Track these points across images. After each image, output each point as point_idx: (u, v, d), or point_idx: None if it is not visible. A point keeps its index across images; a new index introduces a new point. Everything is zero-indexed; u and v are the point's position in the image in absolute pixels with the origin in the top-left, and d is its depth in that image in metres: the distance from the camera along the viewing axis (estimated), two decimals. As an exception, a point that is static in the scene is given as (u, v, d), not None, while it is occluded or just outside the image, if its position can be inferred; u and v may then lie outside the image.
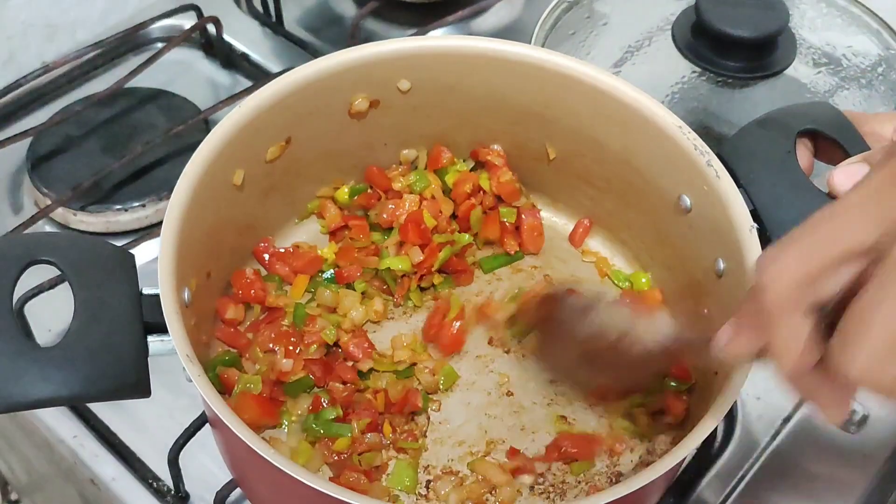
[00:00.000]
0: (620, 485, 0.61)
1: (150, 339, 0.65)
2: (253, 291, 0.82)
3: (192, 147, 0.76)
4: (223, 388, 0.77)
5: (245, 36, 1.18)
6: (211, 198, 0.75)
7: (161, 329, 0.65)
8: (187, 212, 0.71)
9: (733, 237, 0.72)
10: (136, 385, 0.64)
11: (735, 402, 0.85)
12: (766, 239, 0.74)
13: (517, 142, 0.89)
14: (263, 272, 0.86)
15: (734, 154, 0.77)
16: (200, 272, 0.76)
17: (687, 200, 0.78)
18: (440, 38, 0.85)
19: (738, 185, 0.74)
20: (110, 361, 0.63)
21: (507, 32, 1.20)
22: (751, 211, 0.73)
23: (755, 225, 0.72)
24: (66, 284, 0.65)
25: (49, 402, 0.61)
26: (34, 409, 0.63)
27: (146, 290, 0.66)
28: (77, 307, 0.63)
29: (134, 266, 0.68)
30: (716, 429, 0.84)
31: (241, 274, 0.83)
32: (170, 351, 0.65)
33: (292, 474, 0.59)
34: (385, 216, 0.86)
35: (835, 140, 0.76)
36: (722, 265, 0.74)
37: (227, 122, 0.76)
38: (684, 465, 0.82)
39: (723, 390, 0.65)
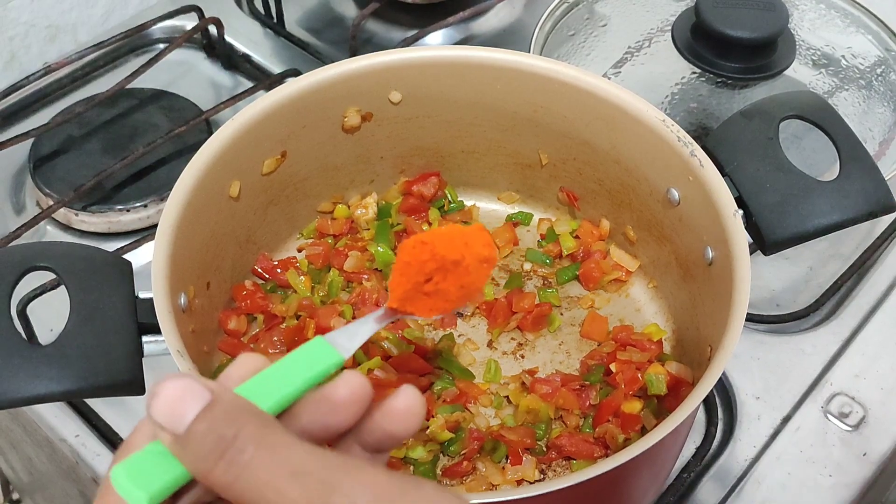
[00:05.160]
0: (610, 458, 0.61)
1: (146, 339, 0.66)
2: (251, 301, 0.83)
3: (194, 148, 0.77)
4: None
5: (246, 37, 1.19)
6: (207, 207, 0.76)
7: (157, 330, 0.66)
8: (183, 218, 0.72)
9: (719, 224, 0.73)
10: (131, 382, 0.65)
11: (734, 401, 0.87)
12: (751, 224, 0.75)
13: (510, 150, 0.89)
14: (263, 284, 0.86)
15: (719, 144, 0.77)
16: (199, 281, 0.76)
17: (675, 193, 0.79)
18: (428, 49, 0.85)
19: (724, 174, 0.75)
20: (104, 359, 0.64)
21: (508, 33, 1.21)
22: (736, 198, 0.74)
23: (739, 210, 0.73)
24: (67, 286, 0.66)
25: (43, 398, 0.62)
26: (29, 405, 0.64)
27: (143, 294, 0.68)
28: (72, 309, 0.65)
29: (130, 272, 0.69)
30: (716, 428, 0.85)
31: (241, 287, 0.84)
32: (168, 351, 0.65)
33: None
34: None
35: (819, 126, 0.77)
36: (711, 253, 0.75)
37: (221, 135, 0.77)
38: (681, 458, 0.82)
39: (710, 364, 0.65)
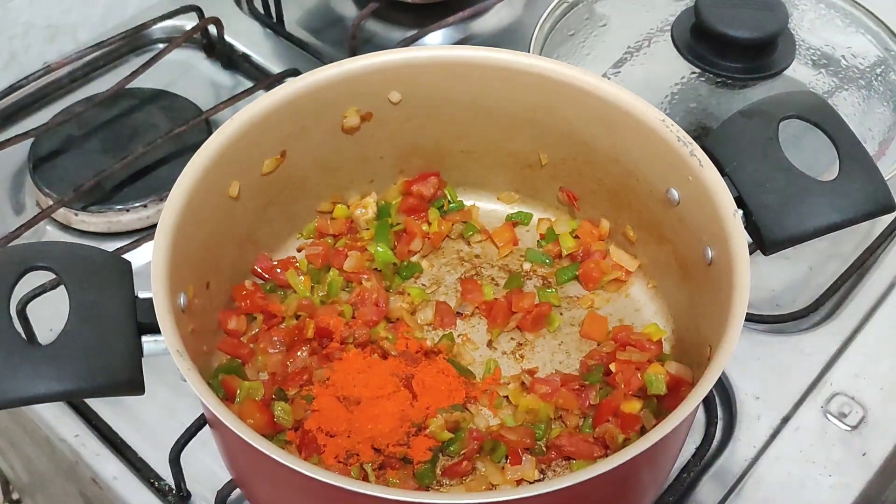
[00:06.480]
0: (610, 458, 0.61)
1: (146, 339, 0.67)
2: (250, 301, 0.83)
3: (194, 148, 0.77)
4: (227, 396, 0.77)
5: (246, 37, 1.19)
6: (207, 207, 0.76)
7: (156, 330, 0.66)
8: (182, 218, 0.72)
9: (719, 224, 0.73)
10: (129, 382, 0.65)
11: (734, 401, 0.87)
12: (751, 224, 0.75)
13: (510, 150, 0.89)
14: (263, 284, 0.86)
15: (718, 144, 0.77)
16: (199, 281, 0.76)
17: (675, 193, 0.79)
18: (428, 49, 0.85)
19: (723, 174, 0.75)
20: (103, 359, 0.64)
21: (507, 33, 1.21)
22: (735, 197, 0.74)
23: (739, 210, 0.73)
24: (67, 286, 0.66)
25: (43, 398, 0.62)
26: (29, 405, 0.64)
27: (142, 294, 0.68)
28: (72, 309, 0.65)
29: (129, 271, 0.69)
30: (715, 428, 0.85)
31: (241, 287, 0.84)
32: (167, 351, 0.65)
33: (291, 466, 0.59)
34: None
35: (819, 126, 0.77)
36: (710, 253, 0.75)
37: (221, 135, 0.77)
38: (681, 457, 0.82)
39: (710, 364, 0.66)
